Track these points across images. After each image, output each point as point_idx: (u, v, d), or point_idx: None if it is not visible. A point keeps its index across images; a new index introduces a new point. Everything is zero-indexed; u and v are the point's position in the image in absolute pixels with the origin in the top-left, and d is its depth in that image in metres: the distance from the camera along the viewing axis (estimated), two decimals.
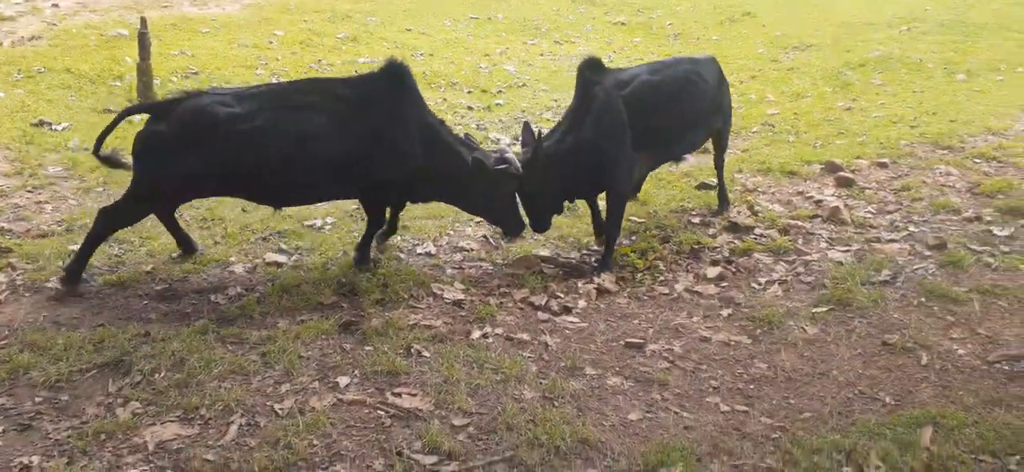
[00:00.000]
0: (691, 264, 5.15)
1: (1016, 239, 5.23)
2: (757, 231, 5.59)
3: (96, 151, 4.61)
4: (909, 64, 10.12)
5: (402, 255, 5.17)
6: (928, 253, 5.10)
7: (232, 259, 4.97)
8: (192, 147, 4.29)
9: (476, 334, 4.12)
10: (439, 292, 4.57)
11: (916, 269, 4.88)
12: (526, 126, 5.13)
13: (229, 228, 5.45)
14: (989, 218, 5.57)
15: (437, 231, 5.55)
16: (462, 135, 5.02)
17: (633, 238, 5.54)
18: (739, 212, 5.89)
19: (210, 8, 13.48)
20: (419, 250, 5.28)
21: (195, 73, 9.59)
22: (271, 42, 11.48)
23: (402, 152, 4.64)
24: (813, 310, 4.43)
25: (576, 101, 5.11)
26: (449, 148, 4.78)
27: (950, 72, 9.69)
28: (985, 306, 4.38)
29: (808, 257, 5.17)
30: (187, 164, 4.30)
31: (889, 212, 5.88)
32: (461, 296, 4.55)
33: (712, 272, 4.96)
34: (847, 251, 5.22)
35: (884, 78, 9.75)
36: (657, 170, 6.21)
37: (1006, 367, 3.82)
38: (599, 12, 15.51)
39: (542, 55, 12.24)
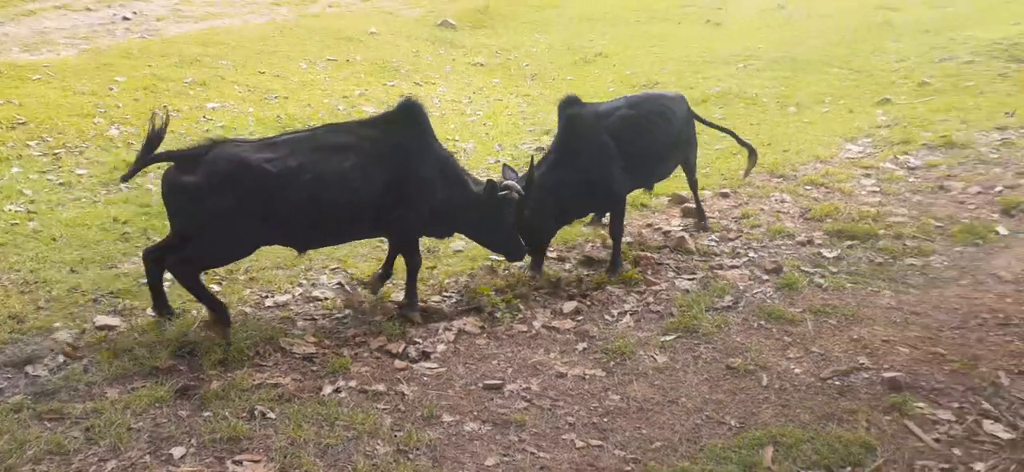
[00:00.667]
0: (549, 300, 5.21)
1: (842, 259, 5.65)
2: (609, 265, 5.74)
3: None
4: (746, 99, 10.82)
5: (249, 309, 4.91)
6: (766, 277, 5.41)
7: (57, 325, 4.54)
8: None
9: (327, 389, 3.95)
10: (288, 347, 4.37)
11: (756, 293, 5.16)
12: (505, 168, 5.36)
13: (55, 291, 5.00)
14: (819, 241, 5.99)
15: (289, 281, 5.33)
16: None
17: (495, 278, 5.54)
18: (593, 245, 6.04)
19: (42, 53, 12.55)
20: (268, 303, 5.04)
21: (23, 123, 8.85)
22: (111, 89, 10.78)
23: (428, 185, 4.80)
24: (662, 339, 4.57)
25: (562, 134, 5.54)
26: (460, 179, 4.99)
27: (782, 105, 10.44)
28: (817, 325, 4.68)
29: (657, 287, 5.34)
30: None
31: (731, 240, 6.20)
32: (312, 350, 4.37)
33: (568, 307, 5.03)
34: (693, 279, 5.45)
35: (724, 112, 10.37)
36: None
37: (837, 382, 4.08)
38: (459, 53, 15.68)
39: (402, 96, 12.19)
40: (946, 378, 4.10)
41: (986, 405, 3.87)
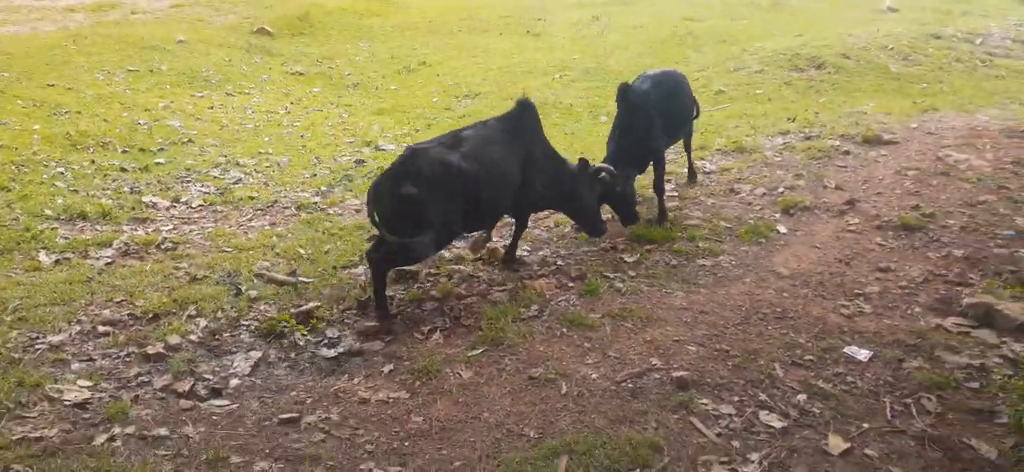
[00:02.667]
0: (359, 321, 5.07)
1: (641, 263, 5.94)
2: (423, 277, 5.69)
3: None
4: (561, 108, 11.18)
5: (16, 354, 4.40)
6: (571, 284, 5.57)
7: None
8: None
9: (101, 439, 3.61)
10: (57, 394, 3.95)
11: (561, 301, 5.30)
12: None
13: None
14: (621, 246, 6.27)
15: (65, 319, 4.84)
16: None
17: (300, 303, 5.31)
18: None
19: None
20: (40, 344, 4.55)
21: None
22: None
23: (544, 168, 5.80)
24: (469, 353, 4.57)
25: (622, 110, 6.61)
26: (561, 161, 6.01)
27: (594, 114, 10.88)
28: (614, 329, 4.86)
29: (468, 300, 5.36)
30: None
31: (541, 249, 6.34)
32: (87, 394, 3.98)
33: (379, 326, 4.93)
34: (504, 290, 5.51)
35: (542, 122, 10.65)
36: (330, 226, 6.57)
37: (630, 385, 4.25)
38: (276, 62, 15.08)
39: (212, 108, 11.53)
40: (729, 373, 4.39)
41: (763, 397, 4.18)
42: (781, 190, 7.33)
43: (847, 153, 8.09)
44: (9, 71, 11.80)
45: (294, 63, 15.07)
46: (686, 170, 7.81)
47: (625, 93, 6.54)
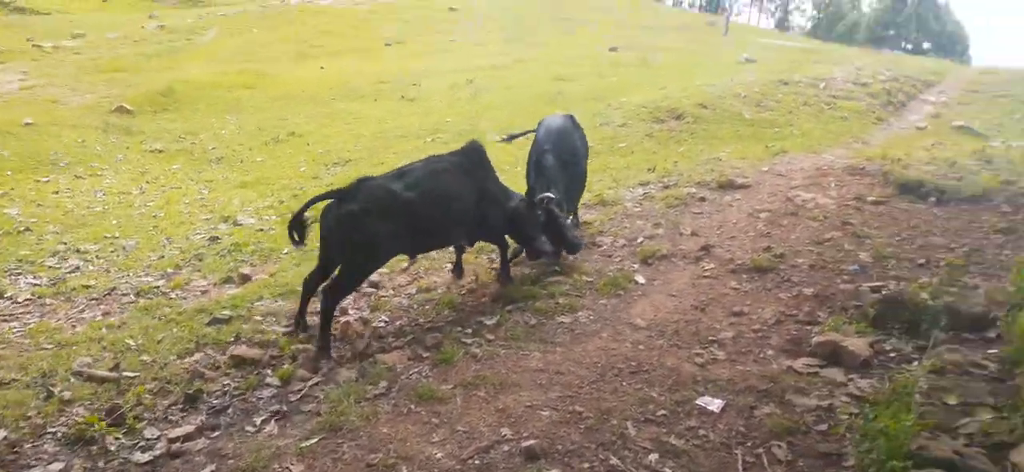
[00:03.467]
0: (186, 415, 4.63)
1: (500, 325, 5.75)
2: (265, 361, 5.30)
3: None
4: None
5: None
6: (426, 354, 5.32)
7: None
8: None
9: None
10: None
11: (412, 374, 5.03)
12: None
13: None
14: (482, 309, 6.08)
15: None
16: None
17: (119, 401, 4.81)
18: (248, 344, 5.56)
19: None
20: None
21: None
22: None
23: (497, 201, 6.31)
24: (302, 444, 4.22)
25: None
26: (508, 195, 6.48)
27: None
28: (466, 400, 4.63)
29: (313, 380, 5.01)
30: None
31: (399, 319, 6.07)
32: None
33: (205, 420, 4.50)
34: (353, 367, 5.19)
35: None
36: (169, 311, 6.17)
37: (477, 461, 4.01)
38: (134, 141, 14.37)
39: (57, 193, 10.76)
40: (581, 437, 4.22)
41: (614, 460, 4.01)
42: (640, 240, 7.37)
43: (703, 199, 8.27)
44: None
45: (154, 141, 14.39)
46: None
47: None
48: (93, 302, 6.73)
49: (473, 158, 6.24)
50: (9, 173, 11.50)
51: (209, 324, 5.91)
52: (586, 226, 8.00)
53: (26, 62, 21.69)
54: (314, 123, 15.53)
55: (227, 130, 15.41)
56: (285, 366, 5.15)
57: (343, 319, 5.93)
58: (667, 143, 11.29)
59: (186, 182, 11.77)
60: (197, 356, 5.39)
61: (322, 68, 22.93)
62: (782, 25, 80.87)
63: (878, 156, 9.64)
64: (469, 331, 5.69)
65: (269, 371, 5.13)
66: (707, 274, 6.54)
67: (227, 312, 6.04)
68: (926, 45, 61.79)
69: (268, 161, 13.00)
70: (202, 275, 7.34)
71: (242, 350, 5.36)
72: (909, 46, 61.31)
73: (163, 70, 21.34)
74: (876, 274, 6.19)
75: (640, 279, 6.50)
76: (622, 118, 12.61)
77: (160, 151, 13.69)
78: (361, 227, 5.32)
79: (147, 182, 11.66)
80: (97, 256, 8.14)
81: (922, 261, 6.39)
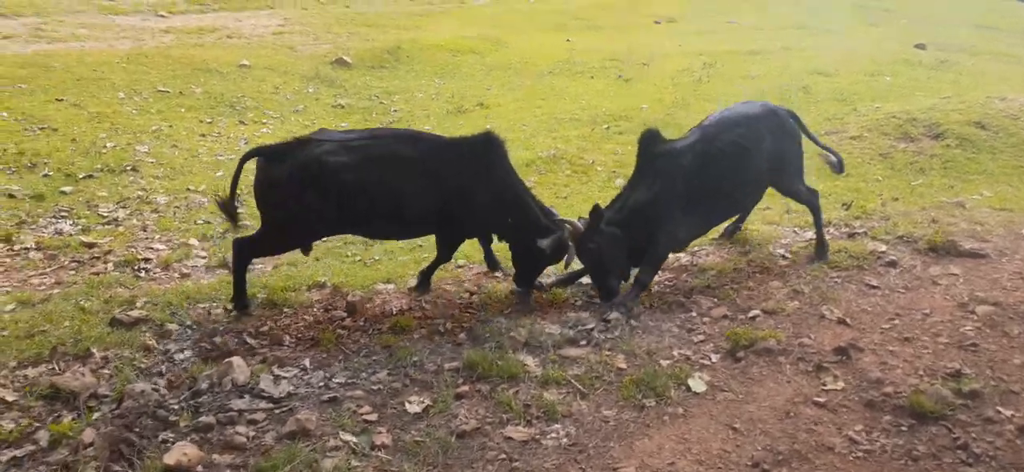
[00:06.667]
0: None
1: (421, 419, 3.73)
2: (82, 401, 3.87)
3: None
4: (579, 165, 8.97)
5: None
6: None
7: None
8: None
9: None
10: None
11: None
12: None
13: None
14: (418, 375, 4.08)
15: None
16: None
17: None
18: (92, 369, 4.18)
19: None
20: None
21: None
22: None
23: (482, 207, 5.12)
24: None
25: None
26: (523, 208, 5.25)
27: (613, 176, 8.57)
28: None
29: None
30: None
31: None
32: None
33: None
34: None
35: (537, 178, 8.55)
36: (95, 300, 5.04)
37: None
38: (327, 95, 14.10)
39: (204, 136, 10.55)
40: None
41: None
42: (752, 314, 4.74)
43: (892, 265, 5.26)
44: (32, 83, 11.58)
45: (345, 96, 13.98)
46: None
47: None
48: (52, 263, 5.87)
49: (464, 150, 5.04)
50: (182, 110, 11.60)
51: (110, 324, 4.64)
52: (701, 272, 5.50)
53: (295, 9, 23.13)
54: (510, 96, 14.10)
55: (423, 94, 14.58)
56: (67, 420, 3.62)
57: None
58: (903, 170, 7.95)
59: None
60: (41, 368, 4.12)
61: (568, 40, 21.47)
62: None
63: None
64: (358, 431, 3.69)
65: (50, 420, 3.65)
66: (821, 400, 3.85)
67: (144, 311, 4.74)
68: None
69: (432, 130, 11.81)
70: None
71: (65, 379, 3.94)
72: None
73: (410, 28, 21.42)
74: None
75: (698, 385, 4.01)
76: (858, 128, 9.31)
77: (342, 107, 13.19)
78: (283, 195, 4.65)
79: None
80: (158, 209, 7.44)
81: None
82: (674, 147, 5.15)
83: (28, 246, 6.17)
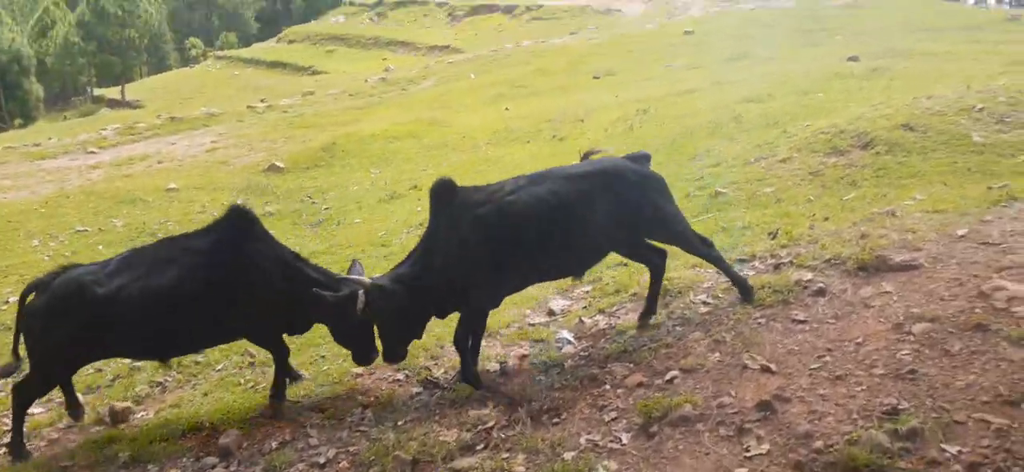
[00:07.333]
0: None
1: None
2: None
3: None
4: None
5: None
6: None
7: None
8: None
9: None
10: None
11: None
12: None
13: None
14: None
15: None
16: None
17: None
18: None
19: None
20: None
21: None
22: None
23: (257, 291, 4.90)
24: None
25: None
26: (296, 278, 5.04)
27: None
28: None
29: None
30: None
31: None
32: None
33: None
34: None
35: None
36: None
37: None
38: (257, 202, 13.63)
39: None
40: None
41: None
42: (669, 376, 4.23)
43: (820, 293, 4.79)
44: None
45: (275, 203, 13.54)
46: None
47: None
48: None
49: (224, 233, 4.86)
50: (100, 248, 11.05)
51: None
52: (619, 334, 5.00)
53: (231, 123, 22.87)
54: (446, 173, 13.72)
55: (358, 186, 14.20)
56: None
57: None
58: (834, 186, 7.57)
59: None
60: None
61: (507, 109, 21.39)
62: None
63: None
64: None
65: None
66: (745, 470, 3.32)
67: None
68: None
69: (364, 223, 11.40)
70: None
71: None
72: None
73: (348, 123, 21.17)
74: None
75: (611, 464, 3.46)
76: (788, 150, 8.97)
77: (271, 214, 12.72)
78: (41, 326, 4.69)
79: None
80: None
81: None
82: (471, 198, 4.72)
83: None
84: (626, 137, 13.25)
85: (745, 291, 4.95)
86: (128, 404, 5.45)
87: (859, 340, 4.18)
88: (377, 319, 4.68)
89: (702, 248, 5.00)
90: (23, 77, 48.55)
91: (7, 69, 47.36)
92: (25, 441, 4.85)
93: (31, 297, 4.83)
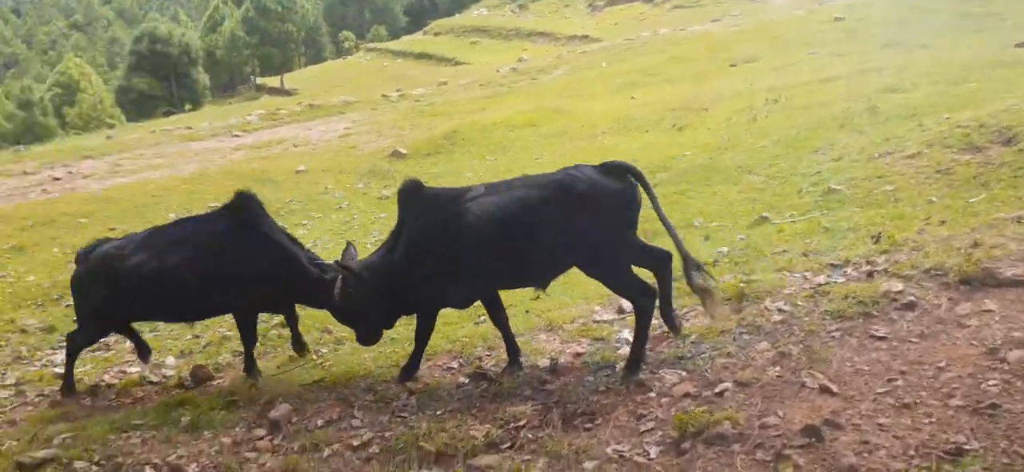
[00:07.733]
0: None
1: None
2: None
3: None
4: None
5: None
6: None
7: None
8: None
9: None
10: None
11: None
12: None
13: None
14: None
15: None
16: None
17: None
18: None
19: None
20: None
21: None
22: None
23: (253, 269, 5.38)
24: None
25: None
26: (291, 260, 5.46)
27: None
28: None
29: None
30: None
31: None
32: None
33: None
34: None
35: None
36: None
37: None
38: (375, 187, 14.07)
39: None
40: None
41: None
42: (720, 388, 3.91)
43: (908, 307, 4.26)
44: (93, 218, 12.14)
45: (392, 187, 13.88)
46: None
47: None
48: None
49: (232, 217, 5.39)
50: None
51: (17, 468, 4.37)
52: (687, 339, 4.69)
53: (365, 111, 23.76)
54: (560, 161, 13.58)
55: (473, 172, 14.31)
56: None
57: None
58: (962, 186, 6.74)
59: (351, 231, 10.84)
60: None
61: (633, 98, 20.89)
62: None
63: None
64: None
65: None
66: None
67: (56, 450, 4.45)
68: None
69: None
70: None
71: None
72: None
73: (474, 112, 21.43)
74: None
75: None
76: (918, 145, 8.11)
77: (385, 198, 13.08)
78: (80, 291, 5.60)
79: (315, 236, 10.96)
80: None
81: None
82: (435, 201, 4.77)
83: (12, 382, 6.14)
84: (748, 128, 12.53)
85: (633, 368, 4.33)
86: (209, 370, 5.74)
87: (941, 364, 3.67)
88: (347, 304, 4.90)
89: (635, 294, 4.47)
90: (192, 67, 53.16)
91: (178, 60, 51.97)
92: (93, 391, 5.68)
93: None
